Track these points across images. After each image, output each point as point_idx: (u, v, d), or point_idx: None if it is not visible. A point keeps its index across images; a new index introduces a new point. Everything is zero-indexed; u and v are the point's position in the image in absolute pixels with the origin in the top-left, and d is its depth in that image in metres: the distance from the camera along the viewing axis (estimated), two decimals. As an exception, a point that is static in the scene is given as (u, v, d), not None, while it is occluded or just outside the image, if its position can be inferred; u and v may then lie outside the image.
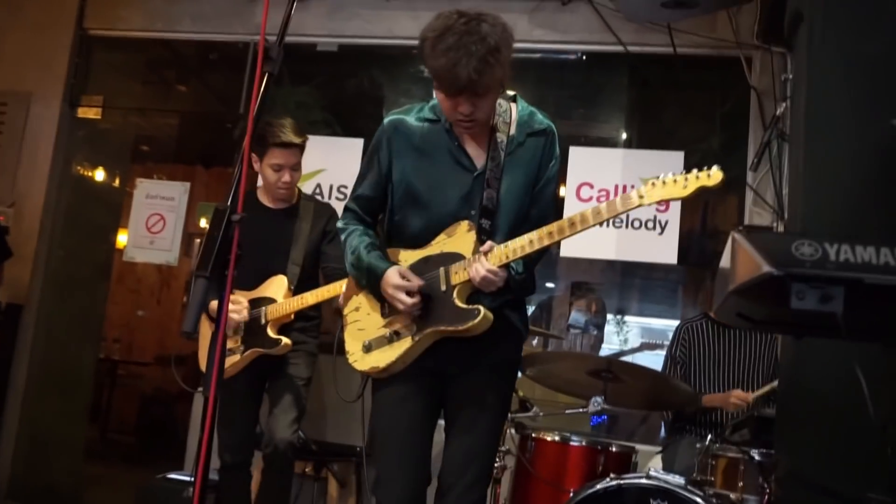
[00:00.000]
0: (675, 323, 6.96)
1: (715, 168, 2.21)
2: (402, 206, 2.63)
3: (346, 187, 5.26)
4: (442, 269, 2.52)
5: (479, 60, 2.30)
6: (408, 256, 2.62)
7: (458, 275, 2.48)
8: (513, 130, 2.60)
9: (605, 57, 4.97)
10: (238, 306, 3.65)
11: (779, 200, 4.35)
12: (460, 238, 2.52)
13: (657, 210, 4.66)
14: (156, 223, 5.56)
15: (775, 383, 3.79)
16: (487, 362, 2.59)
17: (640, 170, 4.68)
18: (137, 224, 5.56)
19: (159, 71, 6.75)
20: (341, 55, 5.42)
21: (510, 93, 2.69)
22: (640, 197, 2.26)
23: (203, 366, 3.87)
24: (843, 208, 2.72)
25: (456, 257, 2.51)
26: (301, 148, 3.83)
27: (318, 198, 4.97)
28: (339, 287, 3.58)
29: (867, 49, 2.88)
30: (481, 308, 2.45)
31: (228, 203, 1.78)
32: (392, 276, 2.51)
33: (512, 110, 2.64)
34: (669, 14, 3.71)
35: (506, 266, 2.43)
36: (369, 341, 2.60)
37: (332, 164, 5.30)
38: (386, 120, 2.68)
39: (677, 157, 4.73)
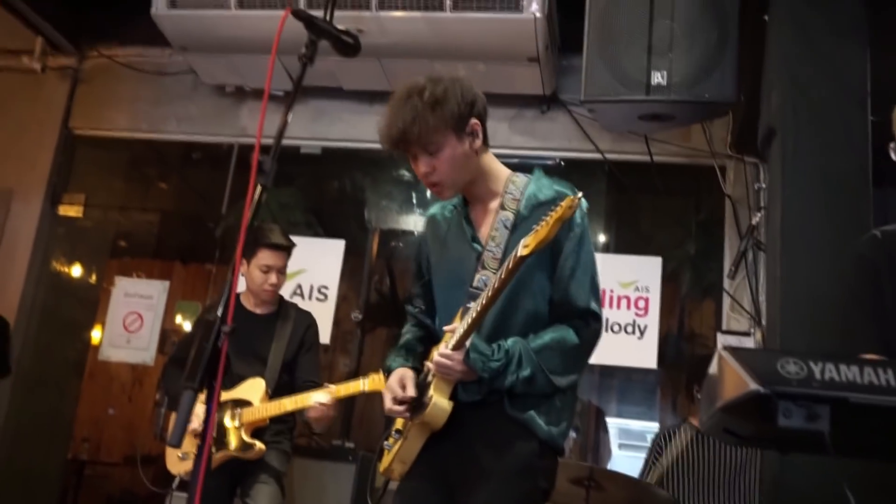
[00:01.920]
0: (654, 425, 6.95)
1: (568, 197, 2.01)
2: (437, 302, 2.49)
3: (326, 288, 5.28)
4: (426, 362, 2.38)
5: (410, 113, 2.23)
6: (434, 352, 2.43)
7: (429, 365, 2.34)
8: (521, 206, 2.36)
9: (583, 164, 5.08)
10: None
11: (755, 306, 4.41)
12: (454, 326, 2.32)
13: (636, 315, 4.71)
14: (133, 321, 5.52)
15: None
16: (489, 470, 2.24)
17: (618, 274, 4.74)
18: (114, 322, 5.51)
19: (141, 169, 6.80)
20: (324, 158, 5.51)
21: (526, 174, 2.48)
22: (525, 247, 2.03)
23: (171, 467, 3.82)
24: (819, 319, 2.78)
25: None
26: (289, 252, 3.89)
27: (298, 299, 4.99)
28: (302, 400, 3.60)
29: (838, 163, 3.00)
30: (433, 398, 2.24)
31: (219, 313, 1.77)
32: (391, 377, 2.39)
33: (527, 186, 2.40)
34: (646, 126, 3.83)
35: (466, 346, 2.19)
36: (389, 443, 2.47)
37: (312, 265, 5.32)
38: (426, 214, 2.62)
39: (655, 262, 4.80)
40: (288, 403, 3.63)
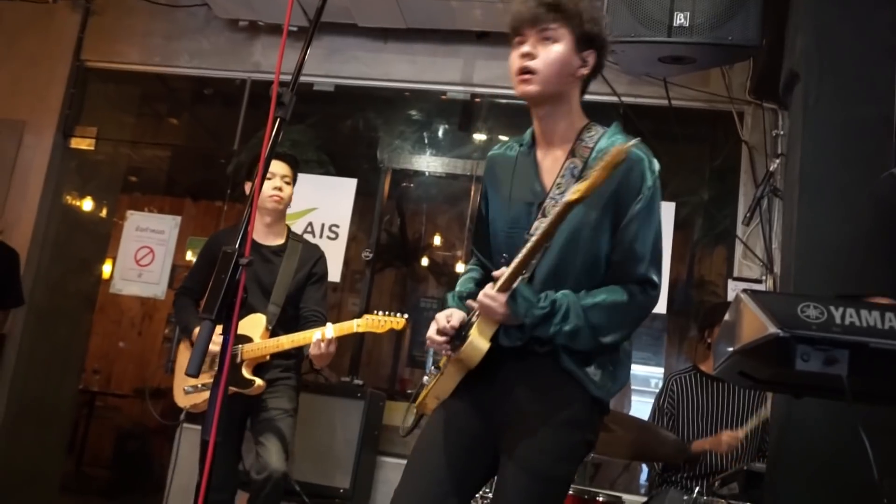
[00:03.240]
0: (660, 370, 7.00)
1: (621, 144, 1.92)
2: (496, 246, 2.38)
3: (337, 226, 5.28)
4: (471, 301, 2.28)
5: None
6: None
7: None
8: (591, 155, 2.23)
9: (599, 106, 5.02)
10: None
11: (768, 254, 4.40)
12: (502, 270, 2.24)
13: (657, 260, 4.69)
14: (144, 256, 5.54)
15: (765, 413, 3.78)
16: (538, 416, 2.18)
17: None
18: (126, 256, 5.53)
19: (153, 104, 6.77)
20: (337, 96, 5.47)
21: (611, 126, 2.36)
22: (575, 192, 1.96)
23: (178, 400, 3.85)
24: (834, 266, 2.76)
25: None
26: (293, 163, 3.86)
27: (309, 237, 5.00)
28: (301, 338, 3.60)
29: (860, 112, 2.95)
30: (471, 336, 2.18)
31: (237, 246, 1.77)
32: (439, 314, 2.31)
33: (601, 136, 2.28)
34: (666, 69, 3.77)
35: (510, 291, 2.12)
36: (427, 379, 2.44)
37: (324, 203, 5.31)
38: (488, 156, 2.52)
39: (668, 207, 4.77)
40: (285, 342, 3.63)
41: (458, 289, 2.46)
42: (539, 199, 2.26)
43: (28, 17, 5.78)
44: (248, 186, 3.91)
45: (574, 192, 1.94)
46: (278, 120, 1.90)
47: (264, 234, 3.88)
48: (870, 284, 2.06)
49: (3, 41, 5.78)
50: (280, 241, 3.92)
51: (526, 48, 2.22)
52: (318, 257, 3.97)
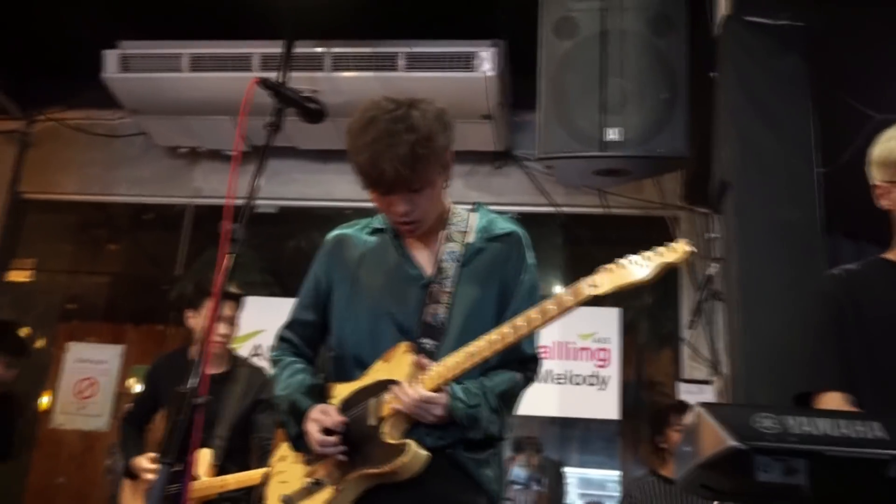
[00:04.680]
0: (615, 473, 6.95)
1: (678, 242, 1.81)
2: (342, 332, 2.23)
3: (284, 347, 5.22)
4: (372, 401, 2.10)
5: (408, 152, 2.00)
6: (342, 390, 2.19)
7: (389, 404, 2.06)
8: (470, 238, 2.22)
9: (538, 217, 5.14)
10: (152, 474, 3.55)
11: (714, 355, 4.48)
12: (397, 362, 2.10)
13: (597, 366, 4.74)
14: (86, 388, 5.39)
15: None
16: None
17: (578, 326, 4.79)
18: (66, 389, 5.40)
19: (91, 232, 6.71)
20: (280, 217, 5.51)
21: (468, 206, 2.35)
22: (593, 287, 1.86)
23: None
24: (782, 366, 2.82)
25: (386, 386, 2.08)
26: (237, 301, 3.79)
27: (255, 360, 4.92)
28: (257, 475, 3.48)
29: (789, 215, 3.09)
30: (411, 443, 2.00)
31: (189, 384, 1.75)
32: (312, 411, 2.11)
33: (471, 219, 2.27)
34: (600, 181, 3.91)
35: (444, 391, 2.02)
36: (289, 495, 2.15)
37: (270, 325, 5.23)
38: (328, 235, 2.40)
39: (614, 312, 4.86)
40: (231, 481, 3.49)
41: (293, 382, 2.23)
42: (421, 283, 2.18)
43: (-37, 151, 5.75)
44: (190, 315, 3.84)
45: (592, 286, 1.85)
46: (231, 255, 1.90)
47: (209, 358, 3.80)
48: (822, 378, 2.12)
49: (-63, 175, 5.73)
50: (224, 367, 3.81)
51: (401, 207, 2.12)
52: (263, 381, 3.82)
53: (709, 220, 4.68)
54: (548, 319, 1.93)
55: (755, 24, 3.27)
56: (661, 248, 1.82)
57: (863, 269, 2.24)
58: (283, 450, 2.27)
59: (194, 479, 3.51)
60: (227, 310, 3.73)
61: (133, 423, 3.88)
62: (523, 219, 5.47)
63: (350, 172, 5.59)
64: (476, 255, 2.21)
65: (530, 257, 2.24)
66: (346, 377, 2.20)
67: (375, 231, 2.31)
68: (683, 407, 4.31)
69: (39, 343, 6.26)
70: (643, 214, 4.96)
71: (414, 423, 2.05)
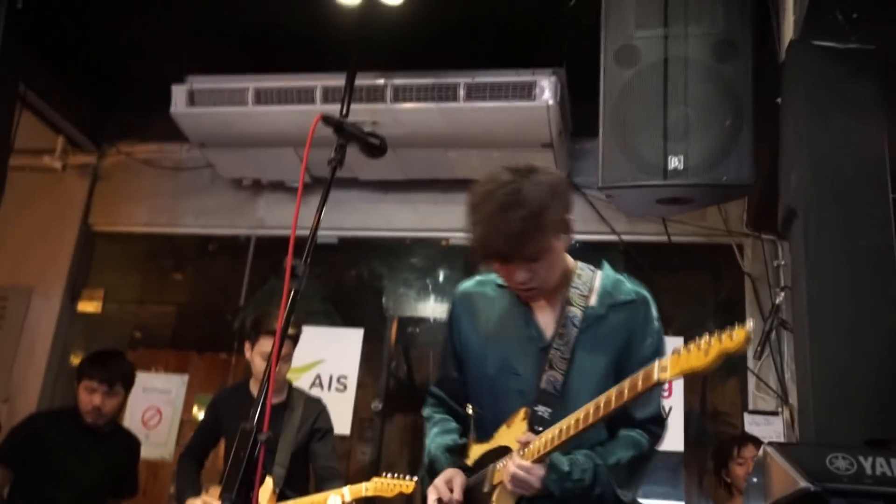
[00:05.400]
0: (680, 504, 6.79)
1: (737, 328, 1.77)
2: (474, 392, 2.32)
3: (345, 377, 5.26)
4: (490, 466, 2.17)
5: (518, 228, 2.03)
6: (476, 451, 2.27)
7: (499, 473, 2.13)
8: (592, 302, 2.22)
9: (599, 246, 5.10)
10: None
11: (782, 385, 4.37)
12: (515, 428, 2.16)
13: (661, 396, 4.65)
14: (152, 417, 5.49)
15: None
16: None
17: (641, 356, 4.71)
18: (133, 418, 5.48)
19: (158, 262, 6.84)
20: (340, 247, 5.56)
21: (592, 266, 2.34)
22: (663, 370, 1.84)
23: None
24: (851, 400, 2.74)
25: (505, 451, 2.15)
26: (294, 339, 3.82)
27: (317, 390, 4.96)
28: (321, 499, 3.52)
29: (861, 242, 2.99)
30: None
31: (255, 422, 1.76)
32: (440, 477, 2.21)
33: (595, 280, 2.27)
34: (664, 209, 3.84)
35: (545, 461, 2.05)
36: None
37: (331, 355, 5.31)
38: (457, 291, 2.45)
39: (676, 341, 4.73)
40: None
41: (441, 441, 2.33)
42: (540, 346, 2.21)
43: (38, 185, 5.93)
44: (247, 348, 3.88)
45: (662, 369, 1.83)
46: (293, 291, 1.91)
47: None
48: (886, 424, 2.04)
49: (14, 209, 5.88)
50: (281, 397, 3.88)
51: (520, 276, 2.14)
52: (320, 411, 3.95)
53: (776, 246, 4.59)
54: (624, 401, 1.92)
55: (823, 48, 3.20)
56: (721, 335, 1.77)
57: None
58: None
59: (257, 508, 3.54)
60: (283, 348, 3.76)
61: (192, 456, 3.95)
62: (584, 247, 5.45)
63: (411, 202, 5.64)
64: (597, 322, 2.21)
65: (656, 322, 2.23)
66: (482, 436, 2.28)
67: (500, 286, 2.34)
68: (746, 439, 4.20)
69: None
70: (707, 241, 4.88)
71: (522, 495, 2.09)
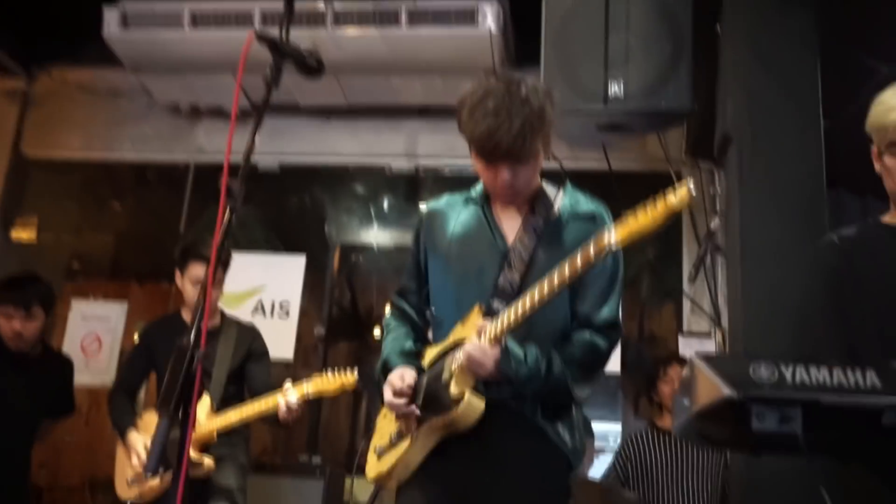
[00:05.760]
0: (617, 426, 7.03)
1: (678, 188, 1.86)
2: (436, 298, 2.41)
3: (287, 303, 5.26)
4: (447, 359, 2.24)
5: (522, 125, 2.10)
6: (430, 352, 2.36)
7: (456, 360, 2.19)
8: (555, 211, 2.31)
9: (542, 174, 5.12)
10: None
11: (715, 308, 4.49)
12: (470, 324, 2.23)
13: (619, 302, 4.76)
14: (91, 343, 5.44)
15: None
16: (512, 483, 2.18)
17: (580, 282, 4.79)
18: (72, 346, 5.42)
19: (95, 191, 6.71)
20: (283, 175, 5.50)
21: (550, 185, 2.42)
22: (611, 236, 1.90)
23: (120, 492, 3.76)
24: (781, 322, 2.84)
25: (461, 344, 2.21)
26: (225, 264, 3.73)
27: (259, 316, 4.97)
28: (264, 404, 3.52)
29: (792, 171, 3.08)
30: (465, 393, 2.13)
31: (191, 338, 1.77)
32: (392, 374, 2.29)
33: (558, 194, 2.37)
34: (604, 136, 3.88)
35: (501, 345, 2.12)
36: (381, 446, 2.37)
37: (272, 282, 5.30)
38: (425, 208, 2.53)
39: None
40: (233, 415, 3.56)
41: (395, 345, 2.41)
42: (502, 252, 2.29)
43: (-36, 111, 5.74)
44: (177, 276, 3.85)
45: (613, 236, 1.90)
46: (229, 209, 1.90)
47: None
48: (819, 352, 2.12)
49: (-60, 135, 5.72)
50: (215, 322, 3.87)
51: (505, 175, 2.20)
52: (254, 335, 3.96)
53: (713, 174, 4.67)
54: (575, 272, 1.99)
55: (761, -24, 3.24)
56: (666, 195, 1.87)
57: (861, 236, 2.20)
58: (386, 407, 2.41)
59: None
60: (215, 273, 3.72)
61: (123, 390, 3.94)
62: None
63: (354, 129, 5.58)
64: (558, 230, 2.29)
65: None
66: (439, 339, 2.37)
67: (468, 201, 2.42)
68: (672, 359, 4.36)
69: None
70: (647, 170, 4.94)
71: (479, 379, 2.17)
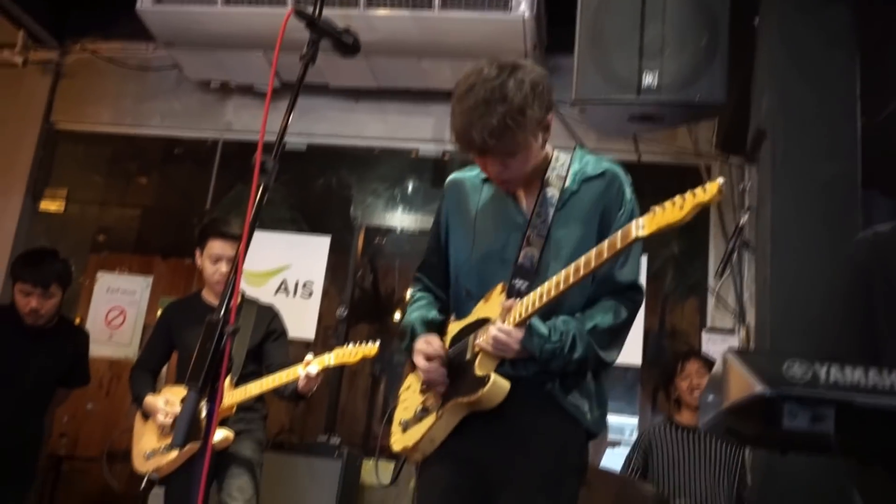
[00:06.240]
0: (634, 420, 7.01)
1: (709, 183, 1.84)
2: (459, 274, 2.41)
3: (312, 283, 5.27)
4: (470, 337, 2.27)
5: (498, 123, 2.08)
6: (453, 328, 2.37)
7: (480, 341, 2.22)
8: (567, 182, 2.29)
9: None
10: (171, 408, 3.64)
11: (740, 305, 4.46)
12: (493, 302, 2.25)
13: (639, 265, 4.75)
14: (115, 317, 5.48)
15: None
16: (531, 457, 2.20)
17: (604, 273, 4.77)
18: (96, 318, 5.48)
19: (123, 164, 6.75)
20: (310, 155, 5.50)
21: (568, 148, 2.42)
22: (640, 227, 1.91)
23: (138, 466, 3.80)
24: (809, 320, 2.82)
25: (483, 323, 2.24)
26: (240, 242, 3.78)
27: (282, 295, 4.99)
28: (283, 376, 3.55)
29: (826, 168, 3.04)
30: (491, 374, 2.15)
31: (221, 314, 1.77)
32: (418, 341, 2.32)
33: (570, 161, 2.34)
34: (636, 127, 3.86)
35: (526, 325, 2.15)
36: (406, 420, 2.38)
37: (297, 261, 5.31)
38: (448, 180, 2.53)
39: (642, 260, 4.83)
40: (253, 388, 3.59)
41: (419, 314, 2.43)
42: (522, 229, 2.29)
43: (-2, 80, 5.78)
44: (197, 255, 3.87)
45: (641, 227, 1.90)
46: (262, 186, 1.90)
47: (216, 297, 3.85)
48: (847, 351, 2.10)
49: (-28, 104, 5.77)
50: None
51: (494, 168, 2.22)
52: (273, 315, 3.98)
53: (743, 170, 4.63)
54: (603, 261, 2.01)
55: (801, -30, 3.19)
56: (696, 189, 1.85)
57: (894, 232, 2.19)
58: (410, 379, 2.48)
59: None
60: (229, 250, 3.74)
61: (144, 368, 3.97)
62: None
63: (381, 111, 5.57)
64: (571, 198, 2.28)
65: (629, 192, 2.30)
66: (461, 315, 2.37)
67: (489, 179, 2.40)
68: (690, 354, 4.34)
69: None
70: (676, 163, 4.91)
71: (502, 359, 2.19)
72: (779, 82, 3.15)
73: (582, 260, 2.03)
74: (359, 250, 5.56)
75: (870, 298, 2.12)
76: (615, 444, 6.82)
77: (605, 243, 1.99)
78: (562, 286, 2.07)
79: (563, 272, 2.07)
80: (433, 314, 2.44)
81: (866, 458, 1.75)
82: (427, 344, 2.30)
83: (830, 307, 2.45)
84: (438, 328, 2.41)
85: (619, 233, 1.96)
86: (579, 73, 3.58)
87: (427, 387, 2.34)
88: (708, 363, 4.16)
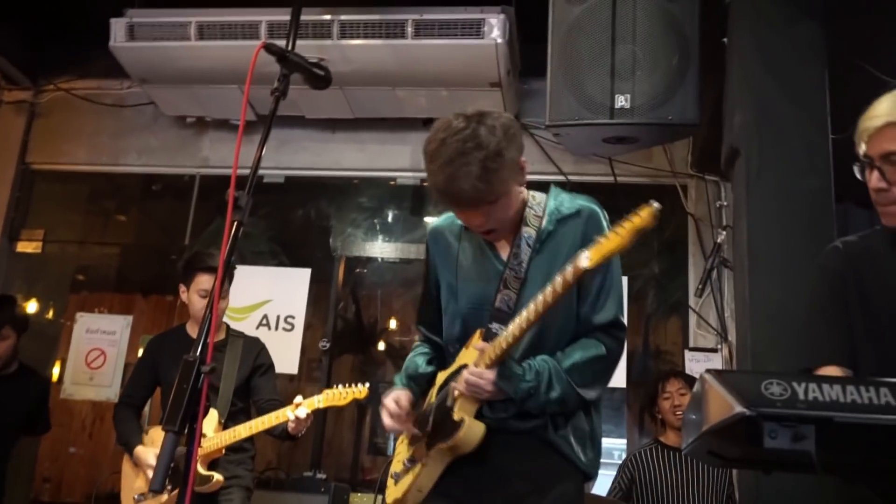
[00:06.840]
0: (622, 441, 6.98)
1: (644, 208, 1.89)
2: (447, 322, 2.42)
3: (293, 317, 5.24)
4: (452, 384, 2.27)
5: (480, 170, 2.06)
6: (441, 377, 2.39)
7: (456, 385, 2.24)
8: (544, 222, 2.28)
9: (546, 186, 5.11)
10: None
11: (721, 323, 4.47)
12: (472, 348, 2.26)
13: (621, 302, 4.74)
14: (96, 358, 5.43)
15: None
16: (514, 500, 2.20)
17: (586, 295, 4.76)
18: (77, 359, 5.42)
19: (100, 202, 6.71)
20: (288, 187, 5.49)
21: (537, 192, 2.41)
22: (587, 259, 1.92)
23: None
24: (789, 335, 2.81)
25: (464, 368, 2.24)
26: (230, 275, 3.77)
27: (264, 330, 4.95)
28: (272, 418, 3.54)
29: (801, 183, 3.06)
30: (465, 418, 2.17)
31: (198, 353, 1.75)
32: (386, 399, 2.34)
33: (545, 202, 2.33)
34: (610, 149, 3.87)
35: (499, 366, 2.14)
36: (397, 472, 2.41)
37: (278, 295, 5.28)
38: (429, 229, 2.53)
39: (622, 280, 4.84)
40: (242, 430, 3.59)
41: (408, 366, 2.48)
42: (499, 272, 2.29)
43: (-29, 122, 5.75)
44: (182, 290, 3.86)
45: (587, 259, 1.92)
46: (236, 223, 1.89)
47: None
48: (824, 354, 2.10)
49: (-54, 146, 5.73)
50: (220, 336, 3.87)
51: (475, 220, 2.21)
52: (260, 348, 3.96)
53: (719, 187, 4.66)
54: (557, 297, 2.02)
55: (769, -12, 3.23)
56: (632, 217, 1.89)
57: (863, 241, 2.19)
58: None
59: (203, 437, 3.57)
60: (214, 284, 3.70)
61: (128, 404, 3.94)
62: (531, 188, 5.47)
63: (359, 141, 5.57)
64: (548, 239, 2.28)
65: (607, 227, 2.24)
66: (449, 364, 2.39)
67: (467, 227, 2.38)
68: (671, 374, 4.33)
69: (49, 314, 6.28)
70: (652, 183, 4.93)
71: (485, 402, 2.21)
72: (750, 99, 3.17)
73: (540, 298, 2.04)
74: (340, 281, 5.53)
75: (843, 307, 2.12)
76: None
77: (558, 279, 2.00)
78: (524, 326, 2.07)
79: (523, 313, 2.08)
80: (422, 367, 2.46)
81: (850, 475, 1.74)
82: (392, 402, 2.33)
83: (809, 320, 2.44)
84: (426, 378, 2.44)
85: (569, 267, 1.97)
86: (552, 96, 3.59)
87: (413, 438, 2.36)
88: (689, 380, 4.16)
